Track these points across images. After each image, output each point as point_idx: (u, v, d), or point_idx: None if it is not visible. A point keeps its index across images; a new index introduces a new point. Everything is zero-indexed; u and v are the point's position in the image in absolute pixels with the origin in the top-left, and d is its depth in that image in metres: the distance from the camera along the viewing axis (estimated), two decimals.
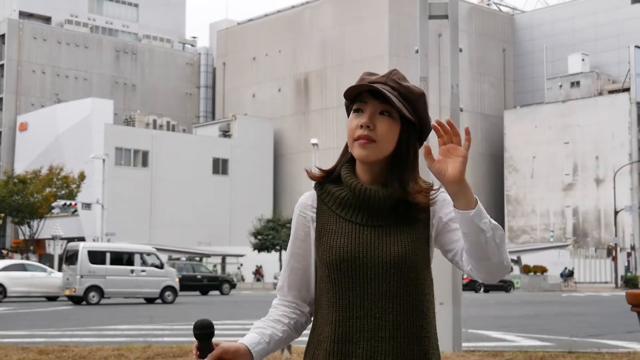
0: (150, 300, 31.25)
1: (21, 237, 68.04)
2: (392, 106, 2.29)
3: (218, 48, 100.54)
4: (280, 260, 60.13)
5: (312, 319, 2.41)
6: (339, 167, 2.41)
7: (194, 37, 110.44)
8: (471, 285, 49.60)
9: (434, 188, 2.37)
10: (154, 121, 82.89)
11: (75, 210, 65.84)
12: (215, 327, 2.18)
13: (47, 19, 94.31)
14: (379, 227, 2.30)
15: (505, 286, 52.49)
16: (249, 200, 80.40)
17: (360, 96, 2.34)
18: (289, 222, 66.27)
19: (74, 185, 63.91)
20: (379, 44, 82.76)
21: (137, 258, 31.40)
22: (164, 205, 75.42)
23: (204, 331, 2.16)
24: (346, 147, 2.41)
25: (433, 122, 2.21)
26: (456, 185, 2.16)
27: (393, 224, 2.30)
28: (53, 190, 63.11)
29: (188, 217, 75.40)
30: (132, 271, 30.48)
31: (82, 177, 64.01)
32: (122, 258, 31.16)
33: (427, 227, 2.32)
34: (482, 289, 51.23)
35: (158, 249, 61.51)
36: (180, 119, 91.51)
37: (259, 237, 63.76)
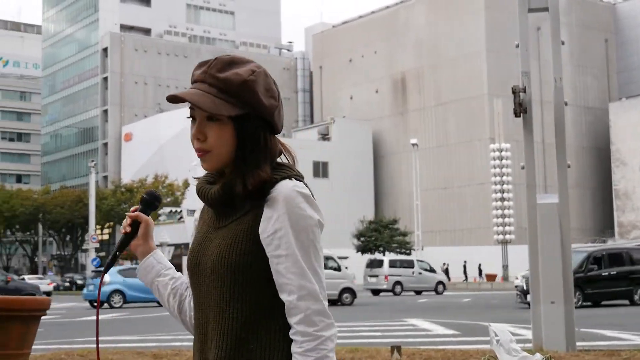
0: (331, 303, 31.04)
1: None
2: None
3: (314, 52, 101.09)
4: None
5: None
6: None
7: (290, 42, 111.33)
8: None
9: (274, 180, 2.12)
10: None
11: (181, 217, 67.15)
12: None
13: (147, 31, 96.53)
14: (220, 229, 2.16)
15: None
16: (350, 202, 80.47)
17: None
18: (392, 223, 66.01)
19: (178, 193, 65.23)
20: (475, 40, 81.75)
21: None
22: None
23: (147, 196, 2.34)
24: None
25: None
26: None
27: (232, 224, 2.13)
28: None
29: None
30: None
31: (186, 184, 65.25)
32: None
33: (256, 224, 2.09)
34: None
35: None
36: None
37: (362, 238, 63.75)
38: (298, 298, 2.01)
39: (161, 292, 2.33)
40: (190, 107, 2.16)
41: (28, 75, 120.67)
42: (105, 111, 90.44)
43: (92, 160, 70.25)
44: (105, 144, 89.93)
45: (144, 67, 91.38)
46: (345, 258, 64.79)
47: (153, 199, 2.33)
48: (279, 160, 2.22)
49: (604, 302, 26.94)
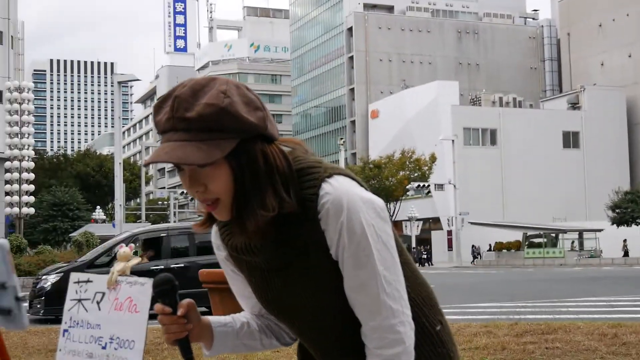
0: None
1: None
2: None
3: (561, 19, 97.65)
4: None
5: None
6: None
7: (535, 10, 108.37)
8: None
9: (316, 198, 1.84)
10: (500, 99, 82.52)
11: (429, 192, 67.46)
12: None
13: (390, 8, 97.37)
14: (282, 270, 1.94)
15: None
16: (604, 172, 77.35)
17: None
18: None
19: (425, 168, 65.56)
20: None
21: None
22: (515, 182, 74.83)
23: (162, 287, 1.96)
24: None
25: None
26: None
27: (297, 264, 1.91)
28: (406, 173, 65.17)
29: (540, 193, 74.18)
30: None
31: (433, 159, 65.44)
32: None
33: (326, 253, 1.88)
34: None
35: (512, 226, 61.37)
36: (526, 94, 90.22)
37: (617, 210, 61.20)
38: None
39: (251, 345, 2.16)
40: None
41: (278, 59, 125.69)
42: (352, 90, 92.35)
43: (341, 138, 72.20)
44: (353, 122, 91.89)
45: (388, 44, 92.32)
46: (600, 231, 62.52)
47: (167, 284, 1.97)
48: (297, 158, 1.91)
49: None
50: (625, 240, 59.72)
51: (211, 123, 1.75)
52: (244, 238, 1.91)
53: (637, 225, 58.99)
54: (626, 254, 57.53)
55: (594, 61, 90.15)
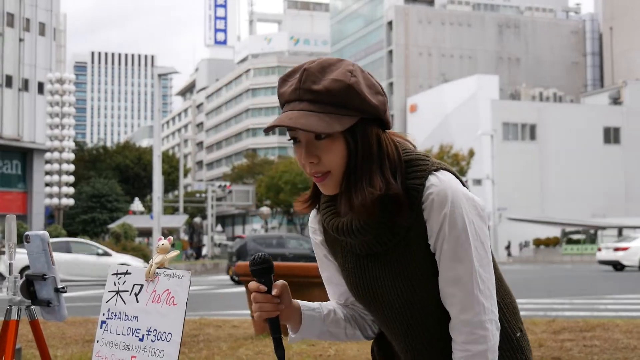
0: None
1: None
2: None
3: (604, 12, 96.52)
4: None
5: None
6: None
7: (578, 4, 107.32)
8: None
9: (421, 187, 1.93)
10: (540, 93, 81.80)
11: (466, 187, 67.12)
12: None
13: (430, 2, 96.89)
14: (379, 256, 1.99)
15: None
16: None
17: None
18: None
19: (464, 162, 65.20)
20: None
21: None
22: (554, 177, 74.18)
23: (261, 266, 2.01)
24: None
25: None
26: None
27: (394, 250, 1.97)
28: None
29: (579, 189, 73.47)
30: None
31: (471, 153, 65.08)
32: None
33: (424, 242, 1.94)
34: None
35: (550, 222, 60.92)
36: (567, 89, 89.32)
37: None
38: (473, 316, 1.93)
39: (335, 333, 2.19)
40: (289, 129, 1.91)
41: (318, 52, 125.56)
42: (391, 83, 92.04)
43: None
44: (392, 116, 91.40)
45: (428, 38, 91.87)
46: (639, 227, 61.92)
47: (265, 263, 2.03)
48: (407, 150, 2.00)
49: None
50: None
51: (336, 98, 1.85)
52: (349, 215, 1.95)
53: None
54: None
55: (637, 56, 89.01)
